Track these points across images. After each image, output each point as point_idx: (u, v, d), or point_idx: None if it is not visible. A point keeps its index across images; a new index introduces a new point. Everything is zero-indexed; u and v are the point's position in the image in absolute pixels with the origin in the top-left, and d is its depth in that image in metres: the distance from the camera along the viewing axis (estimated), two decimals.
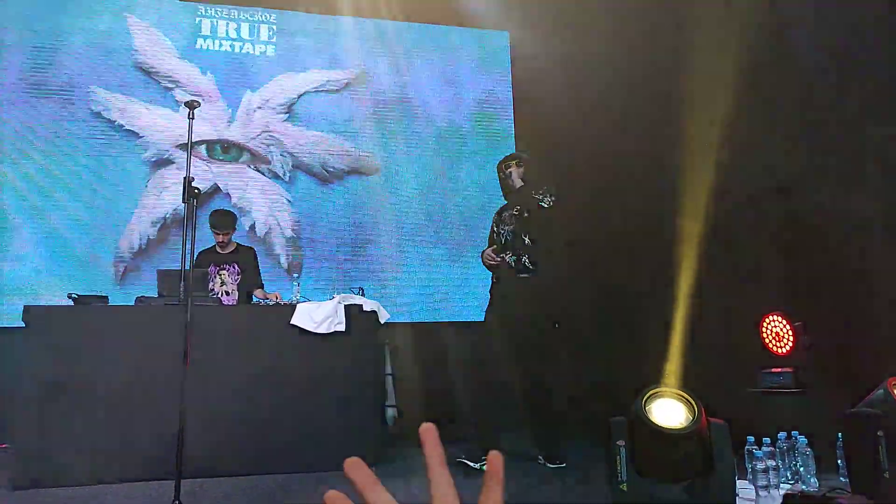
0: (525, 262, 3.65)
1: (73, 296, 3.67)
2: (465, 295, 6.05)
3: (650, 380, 2.48)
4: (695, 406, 2.14)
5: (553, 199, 3.65)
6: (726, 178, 4.10)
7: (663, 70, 4.96)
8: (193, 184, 2.77)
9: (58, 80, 5.59)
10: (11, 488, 3.23)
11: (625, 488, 2.10)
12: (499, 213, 3.96)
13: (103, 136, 5.61)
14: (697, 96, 4.28)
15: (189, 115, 2.91)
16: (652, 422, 2.08)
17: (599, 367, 5.25)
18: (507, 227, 3.79)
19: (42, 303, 4.65)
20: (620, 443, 2.15)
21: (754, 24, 4.00)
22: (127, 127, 5.66)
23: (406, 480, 3.30)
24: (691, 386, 2.29)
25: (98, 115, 5.63)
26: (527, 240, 3.66)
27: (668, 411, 2.13)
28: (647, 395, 2.15)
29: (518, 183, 3.85)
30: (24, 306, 3.49)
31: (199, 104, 2.99)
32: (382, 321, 3.95)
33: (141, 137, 5.71)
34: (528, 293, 3.60)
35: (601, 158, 5.58)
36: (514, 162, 3.90)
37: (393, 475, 3.43)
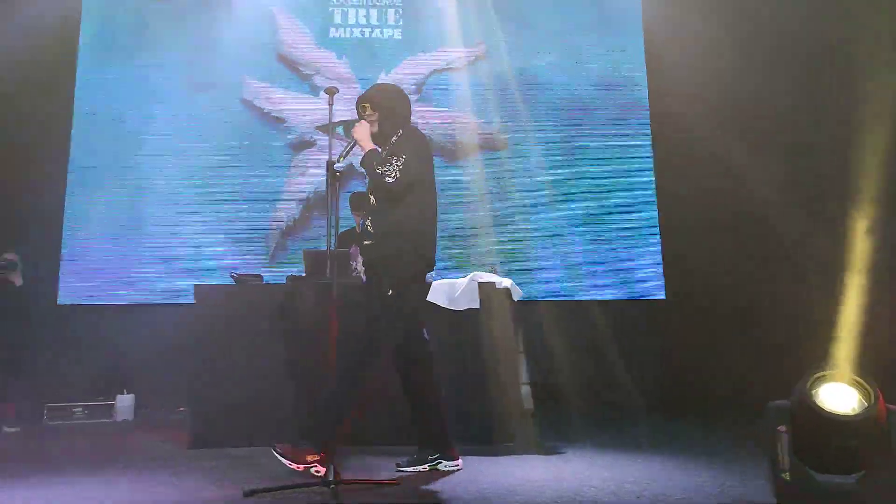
0: (368, 226, 3.05)
1: (234, 275, 4.00)
2: (598, 271, 5.91)
3: (811, 364, 2.27)
4: (870, 391, 1.93)
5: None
6: None
7: (817, 26, 4.48)
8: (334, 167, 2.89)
9: (212, 74, 6.07)
10: (186, 446, 3.62)
11: (787, 478, 1.96)
12: None
13: (253, 123, 6.04)
14: (861, 56, 3.82)
15: (329, 100, 3.03)
16: (820, 407, 1.91)
17: (755, 349, 4.92)
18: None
19: (206, 281, 5.13)
20: (782, 429, 2.00)
21: None
22: (273, 113, 6.05)
23: (545, 458, 3.30)
24: (864, 369, 2.08)
25: (249, 103, 6.07)
26: (371, 199, 3.06)
27: (839, 396, 1.94)
28: (814, 378, 1.97)
29: (373, 129, 3.07)
30: (194, 285, 3.86)
31: (338, 90, 3.11)
32: (516, 298, 3.95)
33: (285, 123, 6.09)
34: (367, 264, 3.05)
35: (745, 127, 5.16)
36: (366, 105, 3.07)
37: (532, 451, 3.45)
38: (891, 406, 1.96)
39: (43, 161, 5.76)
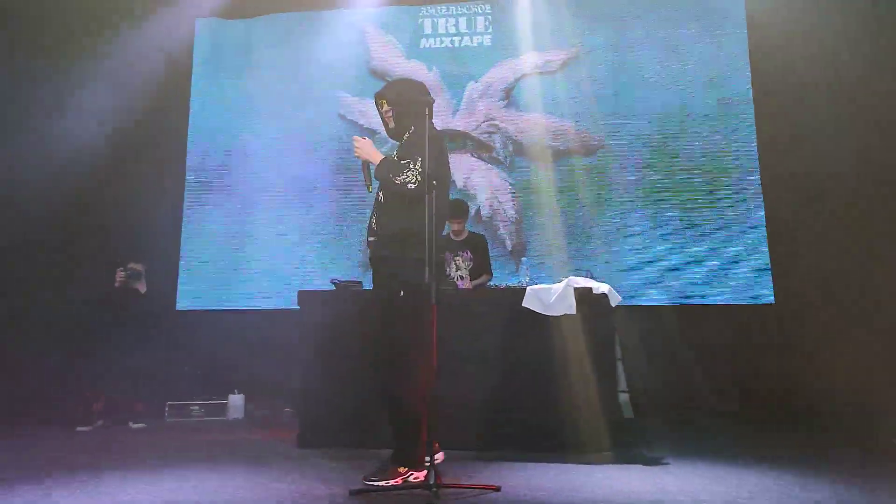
0: (372, 223, 3.02)
1: (335, 281, 4.18)
2: (696, 276, 5.69)
3: None
4: None
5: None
6: None
7: None
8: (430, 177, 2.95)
9: (309, 91, 6.36)
10: (296, 445, 3.81)
11: None
12: None
13: (347, 136, 6.28)
14: None
15: (427, 112, 3.10)
16: None
17: (860, 362, 4.59)
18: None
19: (309, 287, 5.38)
20: None
21: None
22: (367, 126, 6.26)
23: (645, 468, 3.23)
24: None
25: (342, 117, 6.31)
26: (380, 196, 3.00)
27: None
28: None
29: (390, 124, 3.10)
30: (298, 291, 4.07)
31: (433, 100, 3.17)
32: (614, 304, 3.88)
33: (378, 134, 6.26)
34: (373, 263, 2.97)
35: (860, 123, 4.82)
36: (382, 101, 3.06)
37: (631, 461, 3.38)
38: None
39: (162, 176, 6.26)
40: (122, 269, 5.16)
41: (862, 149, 4.87)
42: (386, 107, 3.07)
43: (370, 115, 6.29)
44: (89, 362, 4.87)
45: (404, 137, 3.02)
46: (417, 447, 2.81)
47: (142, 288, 5.25)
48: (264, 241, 6.15)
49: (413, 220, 2.83)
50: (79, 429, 4.80)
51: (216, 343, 5.68)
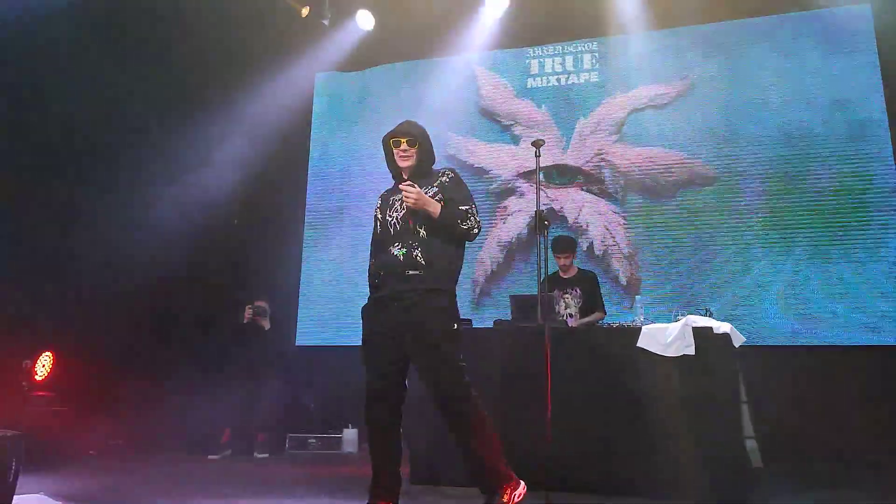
0: (416, 255, 2.83)
1: None
2: (832, 315, 5.24)
3: None
4: None
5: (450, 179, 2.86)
6: None
7: None
8: (542, 215, 2.99)
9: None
10: (409, 482, 3.86)
11: None
12: (383, 197, 3.09)
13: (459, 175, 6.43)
14: None
15: (535, 153, 3.16)
16: None
17: None
18: (394, 215, 2.94)
19: None
20: None
21: None
22: (476, 164, 6.39)
23: None
24: None
25: (452, 157, 6.49)
26: (422, 231, 2.86)
27: None
28: None
29: (408, 163, 3.02)
30: None
31: (544, 142, 3.22)
32: (737, 344, 3.66)
33: (488, 173, 6.39)
34: (414, 294, 2.79)
35: None
36: (404, 140, 3.00)
37: None
38: None
39: (284, 219, 6.71)
40: (249, 305, 5.53)
41: None
42: (408, 145, 3.04)
43: (478, 153, 6.43)
44: (220, 394, 5.23)
45: (443, 181, 2.98)
46: (501, 461, 2.83)
47: (266, 325, 5.60)
48: None
49: (461, 257, 2.95)
50: (210, 457, 5.14)
51: (333, 378, 5.93)
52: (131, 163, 5.82)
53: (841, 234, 5.40)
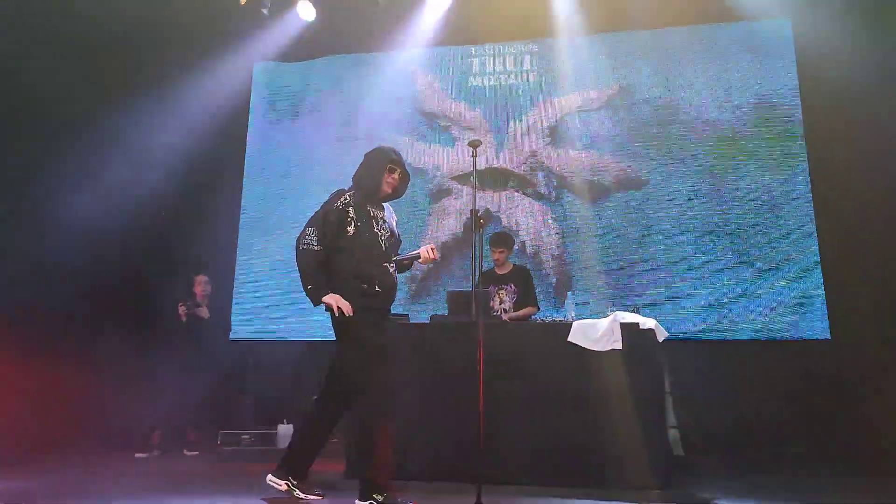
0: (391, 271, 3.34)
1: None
2: (747, 311, 5.57)
3: None
4: None
5: None
6: None
7: None
8: (478, 214, 3.07)
9: (360, 130, 6.60)
10: (343, 476, 3.87)
11: None
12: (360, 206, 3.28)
13: None
14: None
15: (472, 153, 3.23)
16: None
17: None
18: (381, 233, 3.30)
19: None
20: None
21: None
22: (415, 165, 6.42)
23: None
24: None
25: None
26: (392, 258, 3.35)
27: None
28: None
29: (397, 192, 3.54)
30: None
31: (481, 142, 3.30)
32: (661, 339, 3.85)
33: (425, 173, 6.44)
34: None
35: None
36: (398, 170, 3.43)
37: (685, 500, 3.31)
38: None
39: (219, 213, 6.54)
40: (182, 304, 5.39)
41: None
42: (398, 177, 3.42)
43: (417, 154, 6.46)
44: (148, 390, 5.08)
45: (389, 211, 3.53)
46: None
47: (205, 313, 5.46)
48: None
49: None
50: (137, 455, 4.98)
51: (268, 373, 5.86)
52: (54, 157, 5.56)
53: (760, 234, 5.72)
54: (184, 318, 5.33)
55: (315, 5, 6.43)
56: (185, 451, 5.17)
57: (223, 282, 6.30)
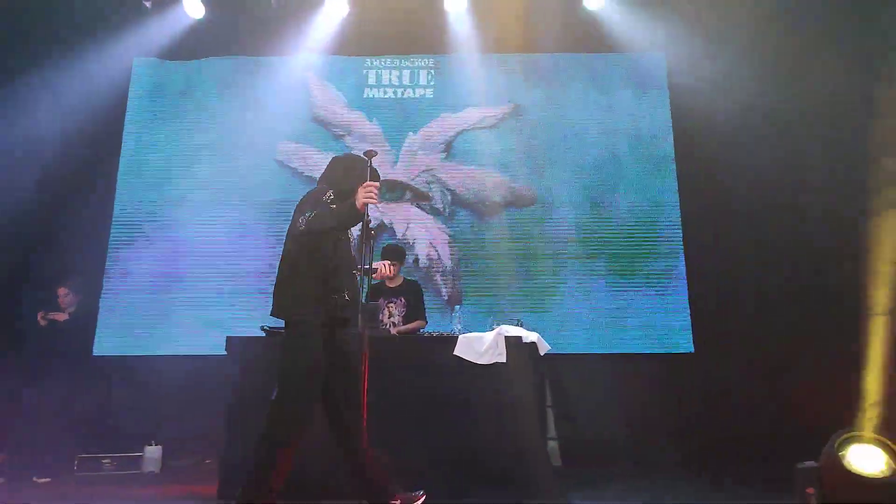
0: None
1: (265, 328, 4.10)
2: (625, 327, 5.87)
3: (842, 423, 2.24)
4: None
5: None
6: None
7: (836, 80, 4.56)
8: (370, 225, 3.01)
9: (249, 136, 6.35)
10: (216, 499, 3.64)
11: None
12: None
13: (288, 183, 6.26)
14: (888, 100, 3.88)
15: (368, 163, 3.17)
16: (848, 468, 1.88)
17: (781, 405, 4.80)
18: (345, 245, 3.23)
19: (237, 334, 5.24)
20: (810, 491, 1.96)
21: None
22: (307, 174, 6.26)
23: None
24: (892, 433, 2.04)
25: (282, 164, 6.30)
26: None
27: (867, 457, 1.91)
28: (842, 439, 1.95)
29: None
30: (227, 337, 3.96)
31: (377, 153, 3.24)
32: (542, 353, 3.96)
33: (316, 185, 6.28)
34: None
35: (771, 180, 5.20)
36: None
37: None
38: None
39: (89, 216, 6.04)
40: (41, 313, 4.93)
41: (783, 205, 5.20)
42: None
43: (311, 161, 6.31)
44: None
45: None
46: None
47: (61, 317, 5.00)
48: (195, 286, 5.99)
49: None
50: None
51: (135, 391, 5.43)
52: None
53: (636, 257, 6.06)
54: (42, 323, 4.87)
55: (204, 3, 6.16)
56: (35, 479, 4.67)
57: (89, 294, 5.80)
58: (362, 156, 3.23)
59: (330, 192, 3.15)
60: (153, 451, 5.08)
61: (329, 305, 3.01)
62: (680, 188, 6.18)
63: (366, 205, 2.85)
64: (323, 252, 3.06)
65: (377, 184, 2.92)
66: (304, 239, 2.99)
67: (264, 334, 4.06)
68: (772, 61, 5.44)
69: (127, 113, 6.42)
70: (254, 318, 5.60)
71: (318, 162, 6.32)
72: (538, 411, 3.88)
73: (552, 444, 4.29)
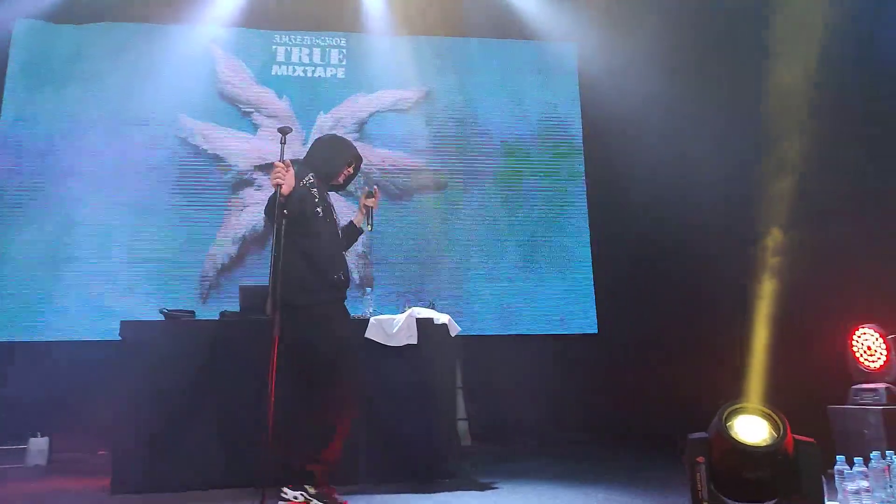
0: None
1: (164, 311, 3.90)
2: (533, 308, 6.04)
3: (730, 395, 2.40)
4: (779, 423, 2.06)
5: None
6: (809, 185, 3.94)
7: (739, 74, 4.85)
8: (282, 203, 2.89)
9: (147, 110, 5.96)
10: (109, 493, 3.44)
11: None
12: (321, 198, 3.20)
13: (190, 160, 5.94)
14: (776, 95, 4.16)
15: (281, 139, 3.06)
16: (733, 438, 2.02)
17: (676, 381, 5.10)
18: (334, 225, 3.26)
19: (135, 318, 4.95)
20: (700, 460, 2.10)
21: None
22: (210, 151, 5.97)
23: (481, 494, 3.31)
24: (776, 403, 2.21)
25: (184, 140, 5.97)
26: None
27: (751, 428, 2.06)
28: (729, 410, 2.09)
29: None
30: (121, 322, 3.73)
31: (291, 129, 3.15)
32: (453, 334, 3.99)
33: (222, 160, 6.02)
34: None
35: (672, 169, 5.47)
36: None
37: (468, 487, 3.46)
38: (797, 437, 2.10)
39: None
40: None
41: (681, 194, 5.46)
42: (353, 170, 3.43)
43: (213, 139, 6.02)
44: None
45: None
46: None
47: None
48: (86, 268, 5.58)
49: None
50: None
51: (19, 380, 5.02)
52: None
53: (542, 238, 6.23)
54: None
55: None
56: None
57: None
58: (347, 140, 3.37)
59: (310, 175, 3.13)
60: (39, 444, 4.73)
61: (327, 288, 3.07)
62: (587, 175, 6.40)
63: (277, 185, 2.86)
64: (314, 230, 3.07)
65: (281, 164, 2.89)
66: (283, 224, 2.93)
67: (163, 318, 3.87)
68: (676, 56, 5.67)
69: (6, 80, 5.86)
70: (150, 302, 5.33)
71: (223, 139, 6.04)
72: (449, 392, 3.91)
73: (462, 425, 4.36)
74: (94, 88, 5.95)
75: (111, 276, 5.60)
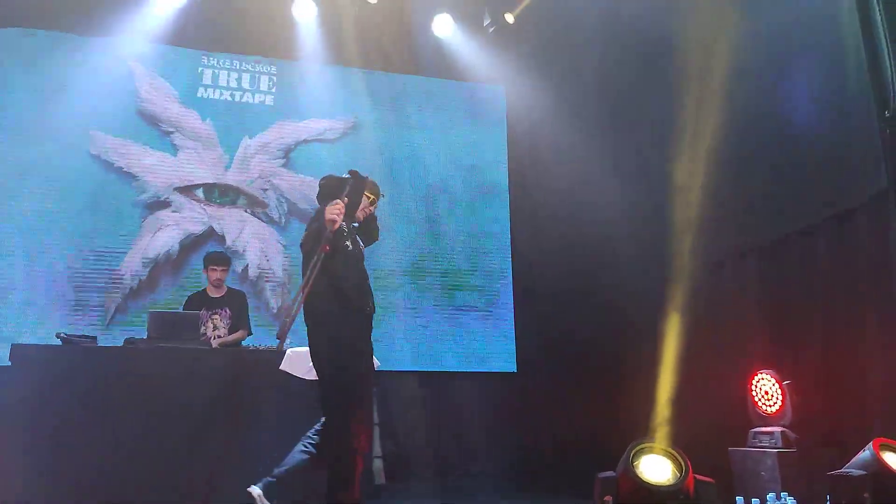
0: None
1: (62, 335, 3.65)
2: (452, 345, 6.06)
3: (639, 435, 2.48)
4: (682, 463, 2.14)
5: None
6: (710, 239, 4.19)
7: (654, 123, 5.12)
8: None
9: (58, 122, 5.64)
10: None
11: None
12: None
13: (102, 178, 5.66)
14: (686, 147, 4.42)
15: (350, 180, 3.19)
16: (639, 477, 2.08)
17: (590, 420, 5.20)
18: None
19: (29, 342, 4.61)
20: (608, 499, 2.14)
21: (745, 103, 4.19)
22: (126, 169, 5.72)
23: None
24: (684, 443, 2.30)
25: (96, 157, 5.69)
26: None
27: (656, 467, 2.12)
28: (636, 449, 2.15)
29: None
30: (12, 345, 3.47)
31: (366, 177, 3.30)
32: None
33: (137, 180, 5.76)
34: None
35: (589, 215, 5.65)
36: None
37: None
38: (699, 476, 2.18)
39: None
40: None
41: (598, 239, 5.65)
42: (373, 208, 3.56)
43: (130, 157, 5.76)
44: None
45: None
46: None
47: None
48: None
49: None
50: None
51: None
52: None
53: (466, 279, 6.29)
54: None
55: None
56: None
57: None
58: (369, 179, 3.39)
59: None
60: None
61: (361, 318, 3.09)
62: (511, 217, 6.53)
63: (331, 223, 2.94)
64: (348, 261, 3.15)
65: (341, 203, 3.03)
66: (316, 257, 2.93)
67: (60, 342, 3.62)
68: (595, 104, 5.92)
69: None
70: (46, 324, 4.99)
71: (140, 158, 5.79)
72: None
73: (377, 463, 4.27)
74: (3, 95, 5.60)
75: (4, 294, 5.21)
